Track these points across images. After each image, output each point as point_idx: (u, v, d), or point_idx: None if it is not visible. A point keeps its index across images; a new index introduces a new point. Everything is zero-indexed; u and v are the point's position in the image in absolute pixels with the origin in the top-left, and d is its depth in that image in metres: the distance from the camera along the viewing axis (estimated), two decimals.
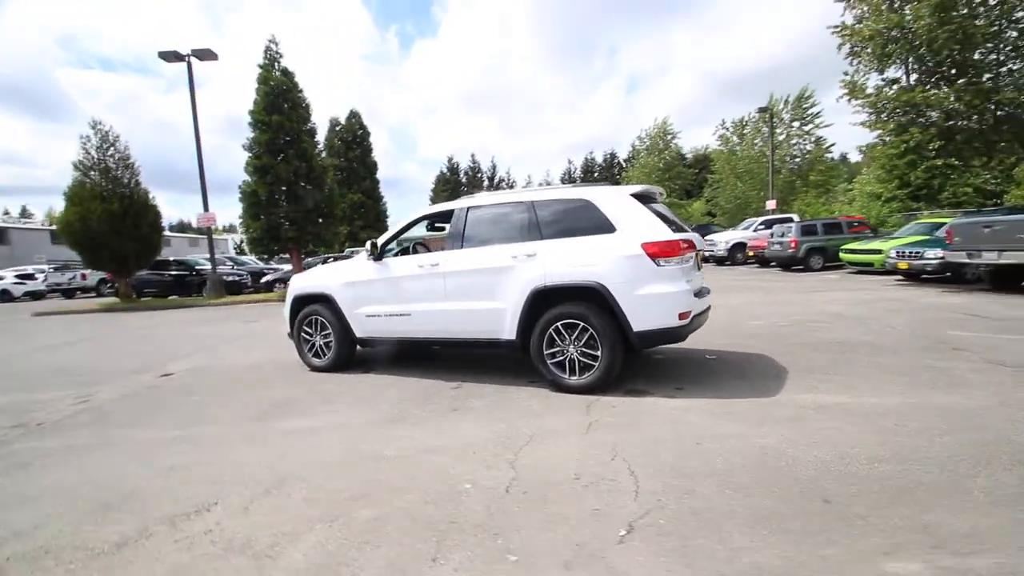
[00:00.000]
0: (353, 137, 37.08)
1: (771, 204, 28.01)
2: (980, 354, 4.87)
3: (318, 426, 3.78)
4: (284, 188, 15.09)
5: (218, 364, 6.42)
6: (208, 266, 18.23)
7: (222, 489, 2.79)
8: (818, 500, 2.37)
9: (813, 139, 39.45)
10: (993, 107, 21.96)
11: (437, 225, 5.87)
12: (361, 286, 5.21)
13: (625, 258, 4.02)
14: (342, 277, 5.37)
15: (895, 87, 24.85)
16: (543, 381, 4.57)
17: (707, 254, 23.37)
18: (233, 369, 6.08)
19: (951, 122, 22.89)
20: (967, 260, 9.64)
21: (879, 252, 14.07)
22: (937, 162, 22.59)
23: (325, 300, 5.51)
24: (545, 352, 4.32)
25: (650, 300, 3.99)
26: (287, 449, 3.34)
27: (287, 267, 21.03)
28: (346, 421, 3.85)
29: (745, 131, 43.08)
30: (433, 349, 6.35)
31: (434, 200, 62.24)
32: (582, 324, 4.16)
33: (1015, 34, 21.81)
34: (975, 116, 22.34)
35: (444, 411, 3.99)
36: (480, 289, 4.56)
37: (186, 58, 15.66)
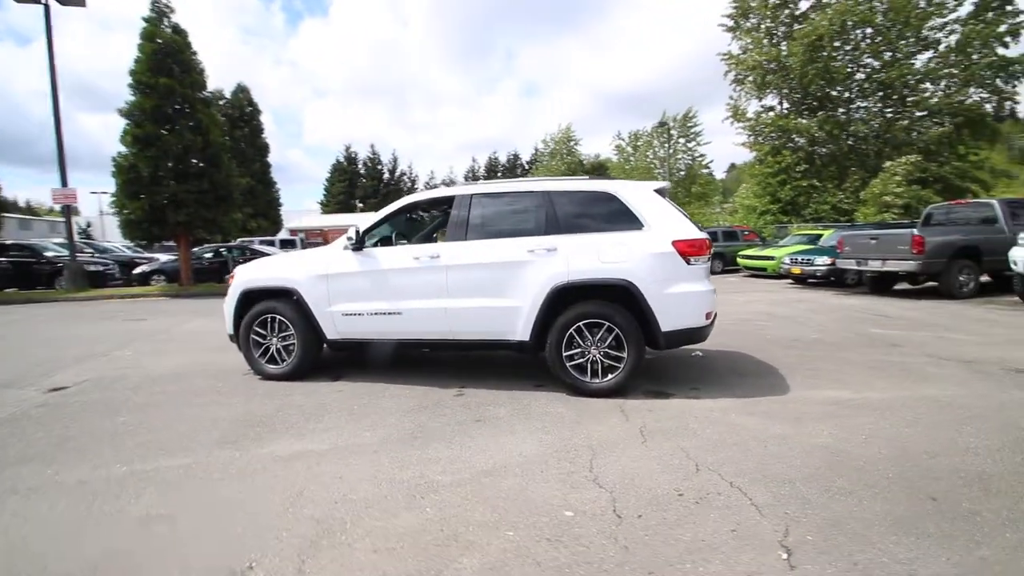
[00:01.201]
0: (241, 114, 33.30)
1: None
2: (917, 349, 5.48)
3: (322, 450, 3.09)
4: (171, 164, 12.91)
5: (128, 373, 5.17)
6: (62, 253, 15.14)
7: (245, 545, 2.10)
8: (925, 499, 2.37)
9: (696, 155, 43.57)
10: (846, 137, 25.80)
11: (417, 215, 5.28)
12: (337, 280, 4.47)
13: (656, 255, 3.86)
14: (311, 269, 4.57)
15: (771, 114, 28.22)
16: (552, 384, 4.28)
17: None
18: (153, 379, 4.91)
19: (814, 148, 26.48)
20: (856, 267, 11.09)
21: (772, 259, 15.73)
22: (802, 183, 25.99)
23: (286, 296, 4.66)
24: (564, 354, 4.02)
25: (680, 299, 3.87)
26: (300, 482, 2.66)
27: (165, 256, 18.23)
28: (354, 442, 3.21)
29: (639, 143, 46.28)
30: (403, 351, 5.72)
31: (329, 190, 58.51)
32: (607, 324, 3.93)
33: (862, 76, 25.86)
34: (832, 144, 26.08)
35: (466, 423, 3.50)
36: (490, 285, 4.12)
37: (43, 1, 12.75)
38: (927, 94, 24.91)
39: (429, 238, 5.78)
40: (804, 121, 26.09)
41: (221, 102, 32.56)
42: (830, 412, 3.58)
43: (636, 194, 4.06)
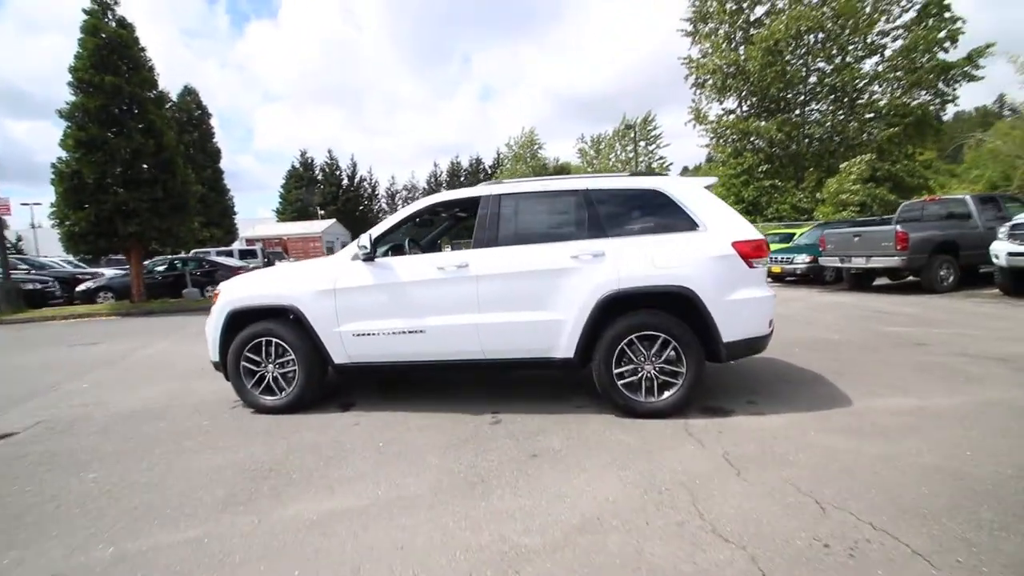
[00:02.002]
0: (189, 118, 31.45)
1: None
2: (943, 347, 5.36)
3: (362, 506, 2.53)
4: (119, 170, 11.73)
5: (91, 411, 4.38)
6: None
7: None
8: None
9: (656, 158, 44.42)
10: (803, 138, 26.70)
11: (429, 218, 4.75)
12: (347, 295, 3.88)
13: (716, 259, 3.49)
14: (313, 283, 3.96)
15: (731, 116, 28.91)
16: (594, 404, 3.85)
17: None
18: (123, 417, 4.16)
19: (773, 149, 27.27)
20: (839, 264, 11.21)
21: None
22: (764, 183, 26.69)
23: (285, 315, 4.04)
24: (615, 371, 3.59)
25: (743, 306, 3.52)
26: (350, 557, 2.11)
27: (112, 271, 16.76)
28: (400, 493, 2.66)
29: (601, 146, 46.90)
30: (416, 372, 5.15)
31: (285, 197, 56.36)
32: (663, 336, 3.53)
33: (814, 79, 26.86)
34: (791, 145, 26.93)
35: (522, 460, 3.01)
36: (529, 297, 3.65)
37: None
38: (876, 96, 26.15)
39: (434, 245, 5.27)
40: (764, 124, 26.83)
41: (168, 105, 30.71)
42: (911, 424, 3.30)
43: (687, 191, 3.69)
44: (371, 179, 61.77)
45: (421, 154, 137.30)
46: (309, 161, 58.04)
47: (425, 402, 4.19)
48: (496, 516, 2.38)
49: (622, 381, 3.60)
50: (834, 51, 25.91)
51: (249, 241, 32.18)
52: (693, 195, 3.67)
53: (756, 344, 3.65)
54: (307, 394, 4.05)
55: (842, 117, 26.75)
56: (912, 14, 24.67)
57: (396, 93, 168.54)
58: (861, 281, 11.41)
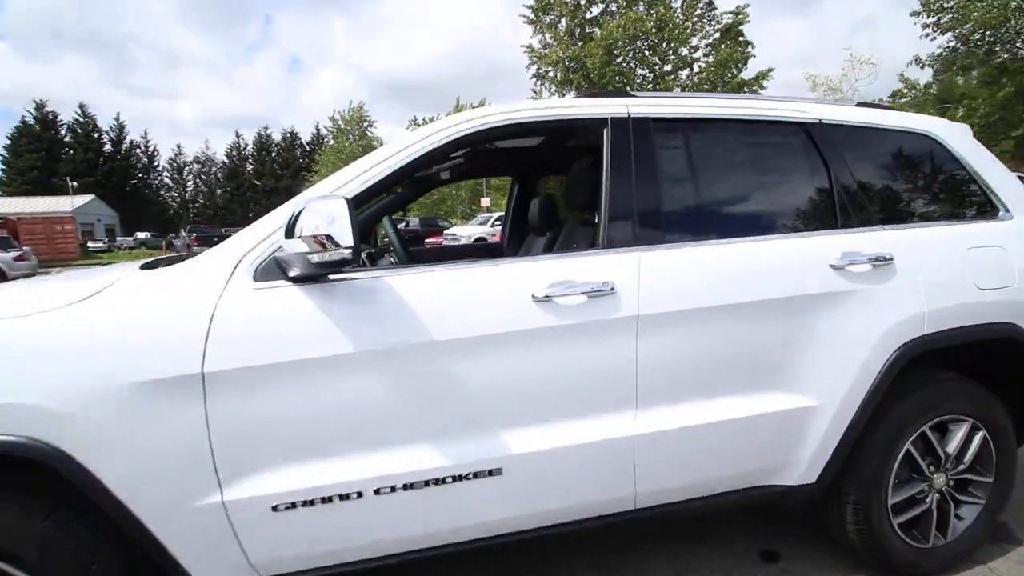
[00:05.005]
0: None
1: (486, 202, 29.46)
2: None
3: None
4: None
5: None
6: None
7: None
8: None
9: None
10: None
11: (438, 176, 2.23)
12: (248, 391, 1.25)
13: None
14: (109, 356, 1.22)
15: None
16: (796, 552, 1.99)
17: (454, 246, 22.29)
18: None
19: None
20: None
21: None
22: None
23: None
24: (892, 500, 1.74)
25: None
26: None
27: None
28: None
29: None
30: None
31: (12, 163, 41.68)
32: (969, 421, 1.79)
33: (639, 79, 28.90)
34: None
35: None
36: (748, 362, 1.56)
37: None
38: None
39: (382, 248, 2.72)
40: None
41: None
42: None
43: (970, 143, 1.99)
44: (147, 146, 49.66)
45: (215, 124, 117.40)
46: (50, 117, 43.78)
47: None
48: None
49: (900, 518, 1.77)
50: (655, 60, 28.11)
51: None
52: (979, 152, 1.99)
53: None
54: None
55: None
56: (718, 35, 28.07)
57: (176, 48, 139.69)
58: None
